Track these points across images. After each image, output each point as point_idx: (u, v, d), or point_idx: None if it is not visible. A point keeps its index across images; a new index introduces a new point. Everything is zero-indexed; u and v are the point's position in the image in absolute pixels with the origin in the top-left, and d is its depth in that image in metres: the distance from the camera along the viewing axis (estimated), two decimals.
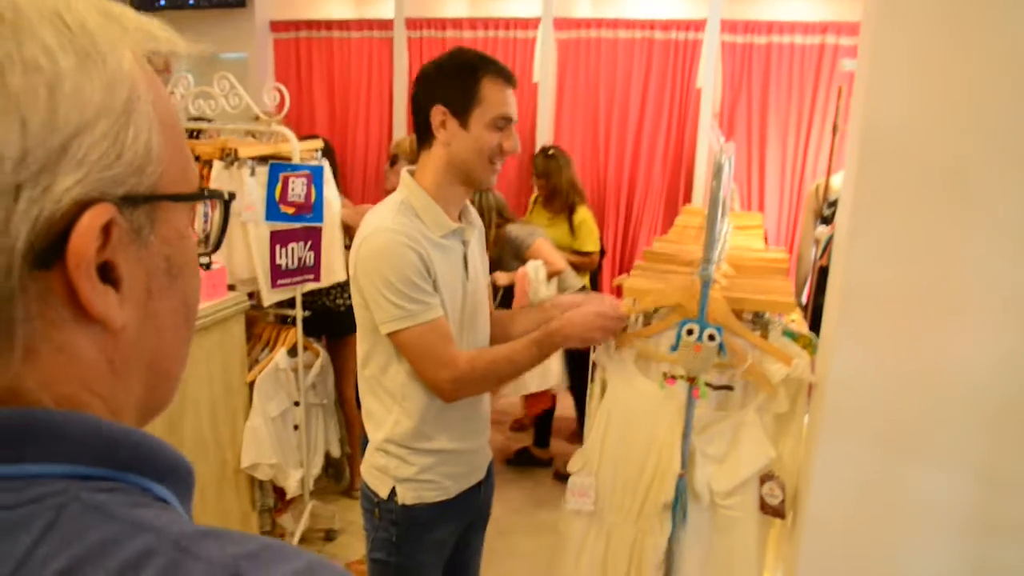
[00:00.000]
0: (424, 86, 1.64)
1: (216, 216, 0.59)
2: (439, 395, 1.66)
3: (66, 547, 0.40)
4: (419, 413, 1.69)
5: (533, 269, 3.37)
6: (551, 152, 4.04)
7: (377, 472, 1.74)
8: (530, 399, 3.96)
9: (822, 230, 2.90)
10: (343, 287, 3.34)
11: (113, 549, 0.40)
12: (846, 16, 4.21)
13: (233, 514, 2.78)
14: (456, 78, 1.60)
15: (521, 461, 4.02)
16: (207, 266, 2.18)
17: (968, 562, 1.60)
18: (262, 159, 2.81)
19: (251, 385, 2.78)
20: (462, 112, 1.60)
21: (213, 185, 2.72)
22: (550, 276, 3.45)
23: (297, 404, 2.98)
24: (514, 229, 3.56)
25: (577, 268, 4.02)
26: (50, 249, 0.42)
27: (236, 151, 2.73)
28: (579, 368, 3.56)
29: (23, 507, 0.41)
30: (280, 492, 2.99)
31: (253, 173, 2.74)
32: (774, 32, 4.30)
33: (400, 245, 1.55)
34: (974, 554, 1.59)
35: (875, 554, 1.65)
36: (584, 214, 4.02)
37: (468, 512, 1.86)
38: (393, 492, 1.72)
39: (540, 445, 4.03)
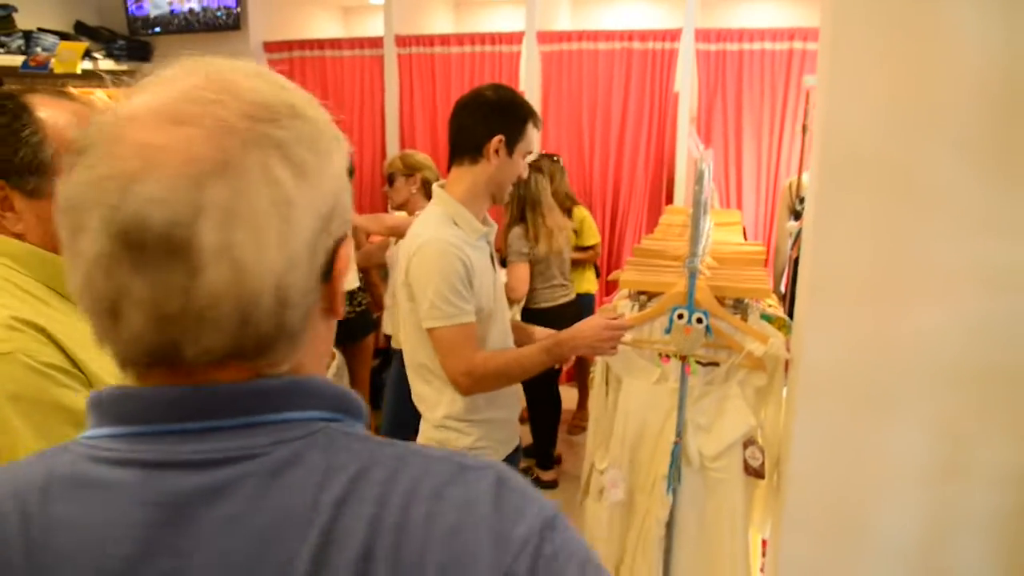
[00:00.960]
0: (484, 116, 1.92)
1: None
2: (456, 388, 1.90)
3: (352, 457, 0.59)
4: None
5: None
6: (556, 159, 4.27)
7: (437, 446, 1.97)
8: None
9: (792, 224, 3.13)
10: (351, 295, 3.55)
11: (382, 456, 0.60)
12: (812, 22, 4.47)
13: None
14: (516, 118, 1.93)
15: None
16: None
17: (931, 505, 1.79)
18: None
19: None
20: (512, 144, 1.92)
21: None
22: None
23: None
24: (514, 236, 3.73)
25: (584, 263, 4.27)
26: (328, 269, 0.62)
27: None
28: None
29: (310, 436, 0.60)
30: None
31: None
32: (745, 39, 4.52)
33: (451, 255, 1.82)
34: (935, 498, 1.79)
35: (850, 505, 1.84)
36: (583, 212, 4.36)
37: None
38: None
39: (543, 466, 4.05)
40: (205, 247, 0.53)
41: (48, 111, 1.18)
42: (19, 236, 1.18)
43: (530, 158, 2.00)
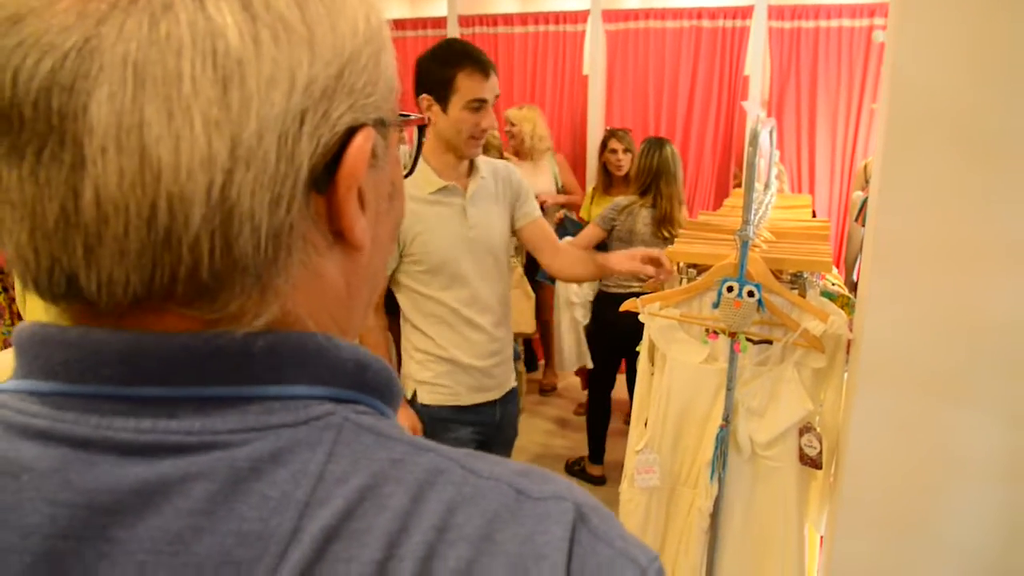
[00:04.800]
0: (416, 77, 1.97)
1: (415, 140, 0.59)
2: None
3: (359, 465, 0.40)
4: (425, 328, 2.06)
5: None
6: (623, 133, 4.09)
7: (404, 376, 2.08)
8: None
9: (858, 195, 2.93)
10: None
11: (405, 467, 0.41)
12: None
13: None
14: (437, 73, 1.93)
15: (573, 473, 3.87)
16: None
17: (1002, 505, 1.64)
18: None
19: None
20: (442, 100, 1.93)
21: None
22: None
23: None
24: (611, 205, 3.48)
25: None
26: (324, 174, 0.41)
27: None
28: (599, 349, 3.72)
29: (305, 425, 0.40)
30: None
31: None
32: (821, 16, 4.32)
33: None
34: (1008, 498, 1.64)
35: (915, 501, 1.69)
36: None
37: (482, 423, 2.13)
38: (415, 394, 2.08)
39: (594, 460, 3.84)
40: (96, 124, 0.35)
41: None
42: None
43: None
